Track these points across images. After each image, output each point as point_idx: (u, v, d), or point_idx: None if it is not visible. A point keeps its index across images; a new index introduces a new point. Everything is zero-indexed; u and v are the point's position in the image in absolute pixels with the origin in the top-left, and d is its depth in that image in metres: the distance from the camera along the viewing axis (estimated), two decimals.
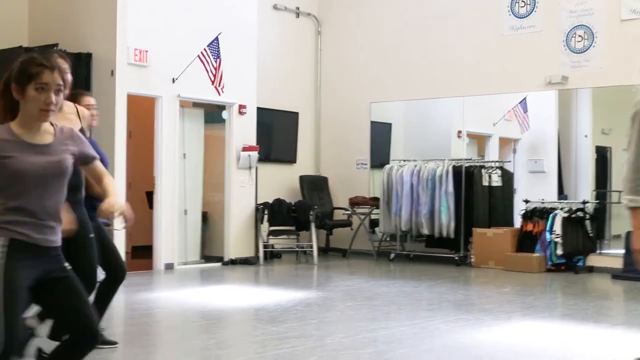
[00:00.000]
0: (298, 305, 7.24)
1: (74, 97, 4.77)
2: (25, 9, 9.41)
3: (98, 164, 3.28)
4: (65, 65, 4.11)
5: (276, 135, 12.32)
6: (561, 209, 10.23)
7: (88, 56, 8.75)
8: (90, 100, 5.10)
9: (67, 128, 3.19)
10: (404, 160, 11.55)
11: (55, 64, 3.03)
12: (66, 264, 3.14)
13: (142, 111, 9.84)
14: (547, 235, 10.00)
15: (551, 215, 10.11)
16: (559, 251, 9.93)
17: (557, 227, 9.96)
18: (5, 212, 2.98)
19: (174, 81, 9.88)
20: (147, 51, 9.53)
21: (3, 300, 2.88)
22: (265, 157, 11.49)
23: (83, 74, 8.75)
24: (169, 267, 9.96)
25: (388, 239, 11.89)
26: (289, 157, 12.46)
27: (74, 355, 3.13)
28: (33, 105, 2.98)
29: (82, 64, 8.75)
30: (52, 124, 3.12)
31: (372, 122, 12.40)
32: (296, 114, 12.52)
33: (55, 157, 3.06)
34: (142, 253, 10.50)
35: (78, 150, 3.15)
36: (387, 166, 11.53)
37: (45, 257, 3.05)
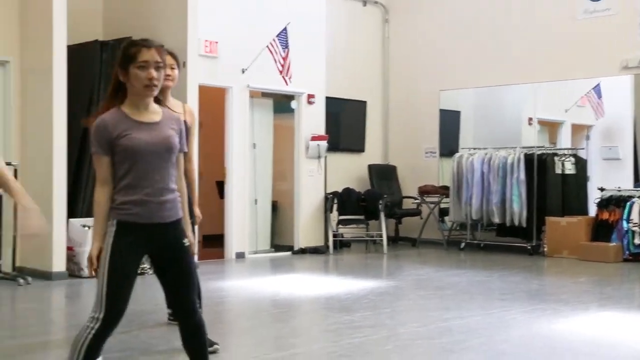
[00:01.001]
0: (370, 295, 7.24)
1: None
2: (100, 4, 9.61)
3: (181, 157, 3.44)
4: (172, 61, 4.57)
5: (344, 124, 12.31)
6: (639, 197, 9.93)
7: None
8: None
9: (175, 115, 3.46)
10: (474, 149, 11.41)
11: (151, 42, 3.28)
12: (185, 240, 3.35)
13: (211, 102, 9.95)
14: (624, 224, 9.74)
15: (628, 203, 9.83)
16: (637, 240, 9.65)
17: (635, 216, 9.69)
18: (119, 192, 3.23)
19: (243, 72, 9.96)
20: (217, 42, 9.64)
21: (107, 276, 3.16)
22: (334, 146, 11.49)
23: None
24: (240, 256, 10.07)
25: (458, 227, 11.77)
26: (357, 146, 12.43)
27: (186, 336, 3.38)
28: (137, 83, 3.23)
29: None
30: (159, 104, 3.38)
31: (441, 110, 12.27)
32: (364, 102, 12.49)
33: (164, 134, 3.30)
34: (213, 242, 10.64)
35: (178, 135, 3.38)
36: (457, 154, 11.40)
37: (157, 234, 3.28)
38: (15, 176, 7.85)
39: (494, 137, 11.58)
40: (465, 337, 5.35)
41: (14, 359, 4.43)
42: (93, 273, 3.25)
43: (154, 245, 3.29)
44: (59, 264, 7.86)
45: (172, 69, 4.70)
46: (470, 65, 11.78)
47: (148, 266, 8.22)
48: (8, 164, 7.76)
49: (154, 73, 3.23)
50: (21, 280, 7.53)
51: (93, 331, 3.16)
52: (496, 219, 10.81)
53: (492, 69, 11.55)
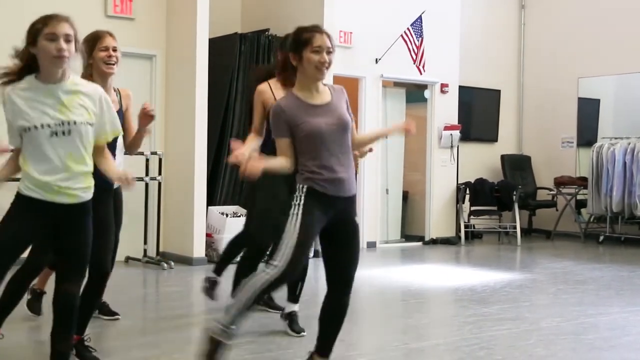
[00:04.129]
0: (507, 287, 7.09)
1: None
2: None
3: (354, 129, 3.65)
4: None
5: (477, 113, 12.09)
6: None
7: None
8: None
9: (337, 86, 3.65)
10: (615, 138, 10.92)
11: (322, 28, 3.49)
12: (355, 218, 3.59)
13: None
14: None
15: None
16: None
17: None
18: (308, 166, 3.45)
19: (377, 62, 9.97)
20: (351, 33, 9.69)
21: (298, 230, 3.37)
22: (466, 136, 11.30)
23: None
24: (371, 245, 10.10)
25: (595, 220, 11.33)
26: (490, 135, 12.19)
27: (331, 312, 3.65)
28: (310, 66, 3.43)
29: None
30: (325, 85, 3.57)
31: (579, 99, 11.83)
32: (498, 91, 12.21)
33: (337, 114, 3.50)
34: None
35: (347, 109, 3.59)
36: (597, 144, 10.96)
37: (339, 206, 3.48)
38: (160, 166, 8.20)
39: (636, 126, 11.04)
40: (614, 334, 5.16)
41: (161, 335, 4.63)
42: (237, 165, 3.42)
43: (336, 217, 3.48)
44: (199, 250, 8.15)
45: None
46: (611, 51, 11.28)
47: None
48: (154, 153, 8.15)
49: (326, 57, 3.42)
50: (165, 265, 7.86)
51: (271, 278, 3.34)
52: (639, 212, 10.33)
53: (634, 55, 11.01)
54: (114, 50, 4.15)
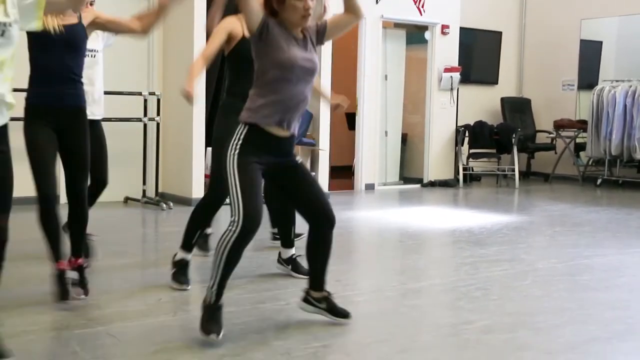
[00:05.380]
0: (504, 229, 7.14)
1: None
2: None
3: None
4: None
5: (477, 55, 11.99)
6: None
7: None
8: None
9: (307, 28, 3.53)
10: (616, 81, 10.85)
11: None
12: (298, 158, 3.60)
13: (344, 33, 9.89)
14: None
15: None
16: None
17: None
18: (260, 106, 3.40)
19: (377, 2, 9.83)
20: None
21: (239, 179, 3.33)
22: (466, 78, 11.23)
23: None
24: (370, 187, 10.13)
25: (594, 164, 11.34)
26: (490, 78, 12.12)
27: (317, 237, 3.67)
28: (293, 12, 3.35)
29: None
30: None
31: (581, 41, 11.71)
32: (499, 33, 12.09)
33: (313, 55, 3.48)
34: (342, 173, 10.73)
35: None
36: (598, 87, 10.89)
37: (281, 147, 3.48)
38: (158, 107, 8.16)
39: (638, 68, 10.96)
40: (608, 275, 5.20)
41: (160, 275, 4.67)
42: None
43: (272, 157, 3.47)
44: (197, 191, 8.16)
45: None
46: None
47: None
48: (152, 94, 8.10)
49: (310, 3, 3.34)
50: (164, 205, 7.89)
51: (234, 235, 3.30)
52: (638, 155, 10.33)
53: None
54: None
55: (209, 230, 5.47)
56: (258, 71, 3.45)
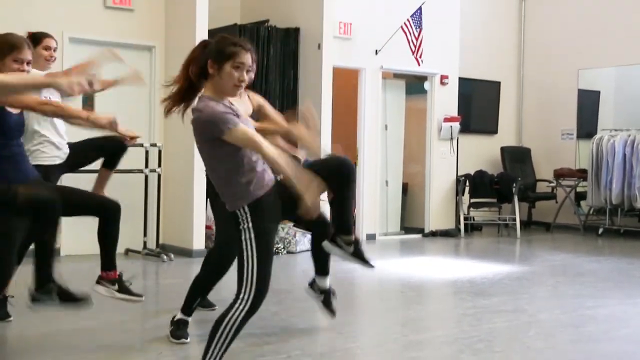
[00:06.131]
0: (505, 279, 7.10)
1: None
2: None
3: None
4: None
5: (477, 105, 12.08)
6: None
7: (296, 31, 9.00)
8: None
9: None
10: (615, 130, 10.91)
11: (249, 46, 3.34)
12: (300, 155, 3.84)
13: (344, 83, 9.99)
14: None
15: None
16: None
17: None
18: (241, 189, 3.31)
19: (376, 53, 9.95)
20: (351, 24, 9.67)
21: (257, 256, 3.26)
22: (466, 128, 11.29)
23: (291, 48, 9.01)
24: (371, 237, 10.11)
25: (595, 213, 11.33)
26: (490, 127, 12.19)
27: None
28: (228, 81, 3.29)
29: (290, 39, 9.01)
30: None
31: (579, 90, 11.81)
32: (498, 83, 12.20)
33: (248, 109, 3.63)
34: None
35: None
36: (597, 136, 10.95)
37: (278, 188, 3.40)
38: (159, 158, 8.19)
39: (637, 118, 11.03)
40: (612, 326, 5.16)
41: (160, 328, 4.63)
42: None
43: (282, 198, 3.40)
44: (198, 242, 8.15)
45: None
46: (611, 42, 11.26)
47: (282, 246, 8.42)
48: (153, 145, 8.15)
49: (245, 76, 3.32)
50: (165, 257, 7.86)
51: (243, 312, 3.22)
52: (639, 204, 10.33)
53: (634, 47, 10.99)
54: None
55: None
56: (223, 161, 3.33)
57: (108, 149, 4.87)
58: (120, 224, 4.36)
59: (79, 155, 4.84)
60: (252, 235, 3.27)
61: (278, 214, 3.42)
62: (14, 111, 4.01)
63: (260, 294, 3.25)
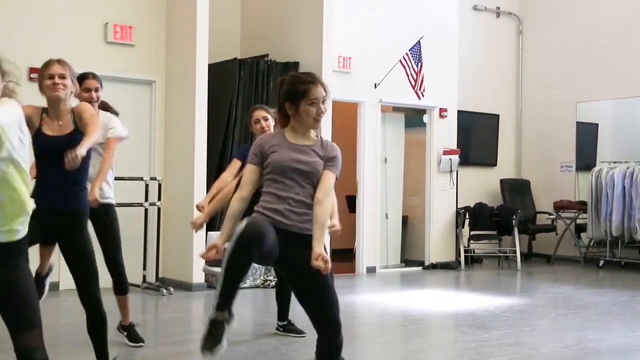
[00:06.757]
0: (507, 312, 7.07)
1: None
2: (238, 24, 9.92)
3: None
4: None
5: (476, 138, 12.13)
6: None
7: (295, 65, 9.05)
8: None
9: (331, 144, 3.57)
10: (613, 162, 10.94)
11: (318, 78, 3.46)
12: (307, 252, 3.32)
13: (344, 117, 10.04)
14: None
15: None
16: None
17: None
18: (265, 196, 3.41)
19: (375, 87, 10.01)
20: (350, 58, 9.74)
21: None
22: (465, 160, 11.33)
23: None
24: (371, 270, 10.08)
25: (595, 245, 11.32)
26: (489, 160, 12.22)
27: (320, 351, 3.52)
28: (308, 118, 3.42)
29: (289, 73, 9.05)
30: (317, 135, 3.54)
31: (578, 123, 11.87)
32: (497, 116, 12.26)
33: (312, 159, 3.44)
34: (343, 256, 10.69)
35: (326, 157, 3.50)
36: (596, 168, 10.97)
37: (292, 240, 3.35)
38: (159, 191, 8.20)
39: (635, 150, 11.07)
40: (615, 359, 5.13)
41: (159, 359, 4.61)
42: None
43: (287, 253, 3.33)
44: (198, 276, 8.12)
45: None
46: (608, 75, 11.35)
47: (272, 278, 8.38)
48: (153, 179, 8.16)
49: (322, 108, 3.43)
50: (164, 291, 7.83)
51: (230, 246, 3.15)
52: (639, 236, 10.32)
53: (632, 79, 11.07)
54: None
55: None
56: None
57: None
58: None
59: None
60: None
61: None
62: None
63: (245, 231, 3.12)
